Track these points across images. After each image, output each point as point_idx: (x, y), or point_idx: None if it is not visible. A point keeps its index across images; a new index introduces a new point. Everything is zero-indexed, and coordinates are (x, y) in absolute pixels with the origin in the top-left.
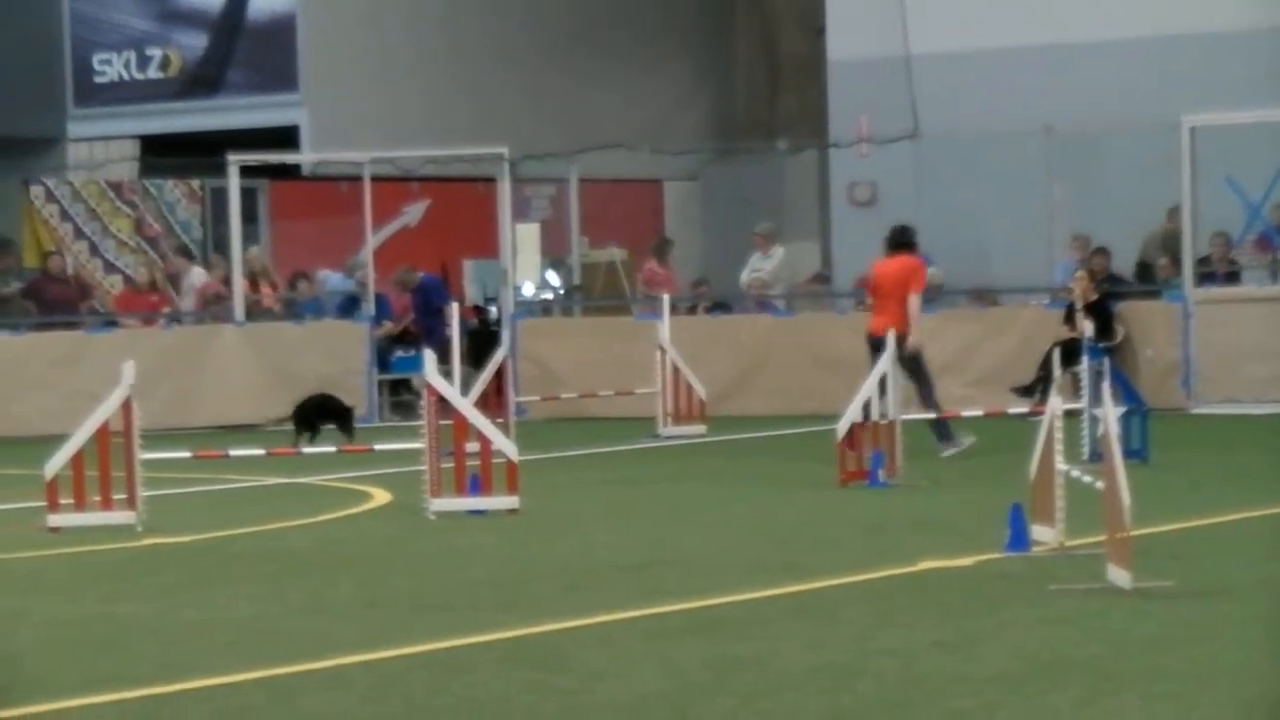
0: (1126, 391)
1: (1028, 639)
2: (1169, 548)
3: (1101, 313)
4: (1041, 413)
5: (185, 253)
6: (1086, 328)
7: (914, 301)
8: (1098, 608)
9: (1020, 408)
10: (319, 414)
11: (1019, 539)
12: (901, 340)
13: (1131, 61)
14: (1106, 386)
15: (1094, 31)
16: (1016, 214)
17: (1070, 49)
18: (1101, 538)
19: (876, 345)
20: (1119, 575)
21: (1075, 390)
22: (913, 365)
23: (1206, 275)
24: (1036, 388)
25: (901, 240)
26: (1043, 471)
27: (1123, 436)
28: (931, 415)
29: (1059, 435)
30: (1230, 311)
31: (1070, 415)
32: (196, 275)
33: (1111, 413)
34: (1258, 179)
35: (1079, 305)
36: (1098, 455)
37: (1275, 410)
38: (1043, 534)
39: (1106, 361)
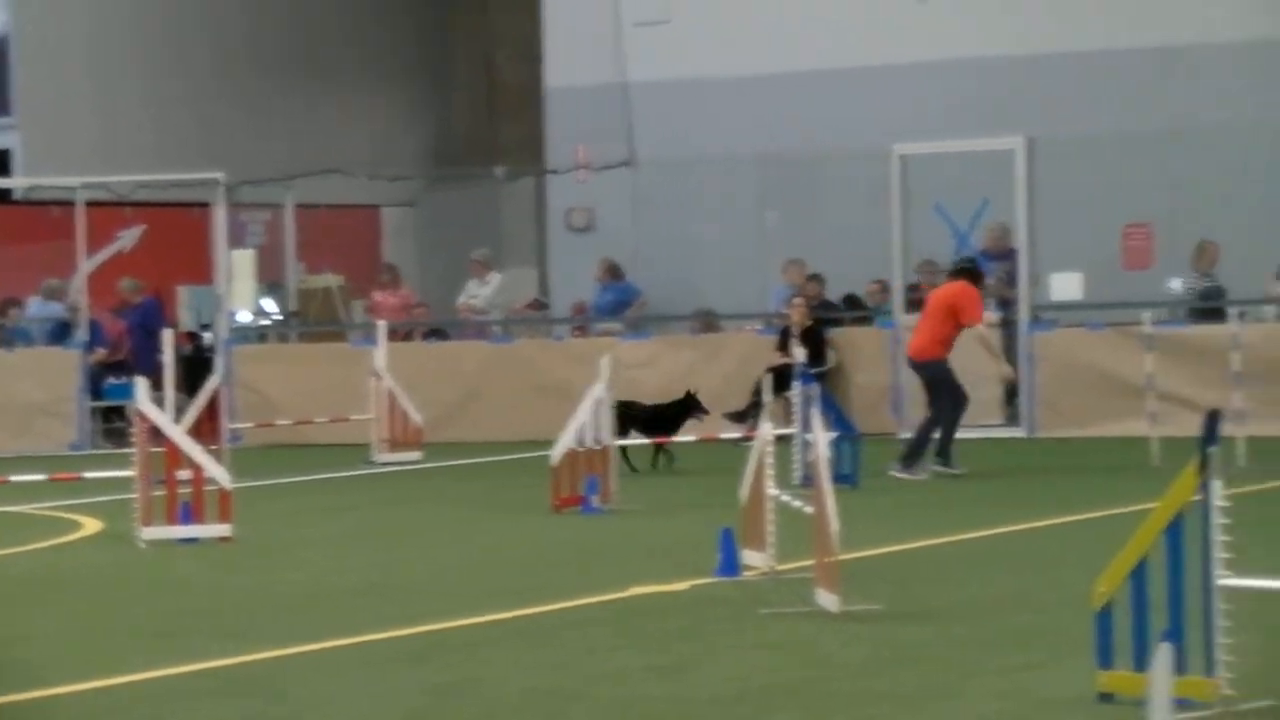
0: (837, 417)
1: (740, 663)
2: (877, 571)
3: (814, 339)
4: (753, 438)
5: None
6: (798, 354)
7: (975, 330)
8: (808, 631)
9: (733, 433)
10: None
11: (730, 564)
12: (928, 363)
13: (845, 91)
14: (817, 412)
15: (809, 61)
16: (732, 240)
17: (785, 78)
18: (811, 562)
19: (912, 365)
20: (828, 599)
21: (787, 416)
22: (933, 385)
23: (915, 302)
24: (749, 413)
25: (962, 267)
26: (754, 496)
27: (833, 462)
28: (935, 434)
29: (770, 460)
30: None
31: (782, 440)
32: None
33: (822, 438)
34: (966, 207)
35: (795, 331)
36: (809, 480)
37: (982, 435)
38: (754, 559)
39: (818, 387)
